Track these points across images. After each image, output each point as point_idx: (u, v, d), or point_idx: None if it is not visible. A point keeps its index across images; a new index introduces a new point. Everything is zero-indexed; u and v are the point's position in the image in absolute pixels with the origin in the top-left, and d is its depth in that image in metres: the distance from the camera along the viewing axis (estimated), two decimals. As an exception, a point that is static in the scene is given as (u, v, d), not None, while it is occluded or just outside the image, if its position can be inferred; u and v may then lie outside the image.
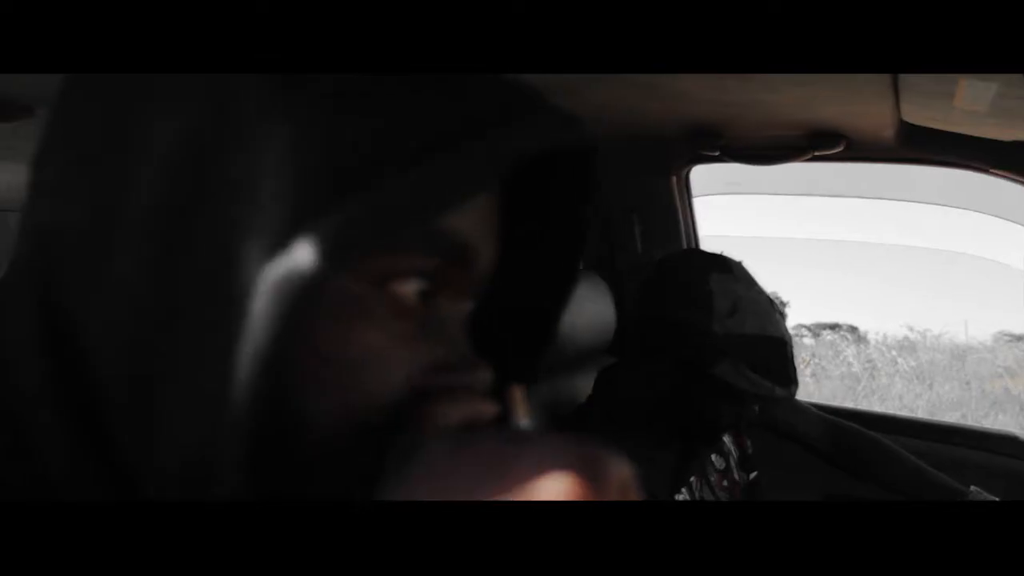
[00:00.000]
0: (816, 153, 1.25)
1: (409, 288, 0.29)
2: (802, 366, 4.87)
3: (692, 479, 1.08)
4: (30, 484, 0.28)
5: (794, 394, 1.02)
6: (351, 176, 0.25)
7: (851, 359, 4.96)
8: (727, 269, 1.05)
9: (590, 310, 1.29)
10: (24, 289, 0.29)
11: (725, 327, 0.98)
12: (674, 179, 1.47)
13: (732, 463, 1.18)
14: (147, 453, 0.27)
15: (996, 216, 1.31)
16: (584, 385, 1.16)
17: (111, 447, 0.27)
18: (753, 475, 1.21)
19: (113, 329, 0.27)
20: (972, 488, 1.16)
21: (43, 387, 0.27)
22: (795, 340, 1.05)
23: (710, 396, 1.01)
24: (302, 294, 0.24)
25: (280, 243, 0.24)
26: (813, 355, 5.04)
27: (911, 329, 5.36)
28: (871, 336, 5.46)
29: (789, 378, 1.01)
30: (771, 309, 1.04)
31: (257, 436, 0.25)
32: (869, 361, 4.94)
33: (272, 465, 0.27)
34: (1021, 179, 1.11)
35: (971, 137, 1.06)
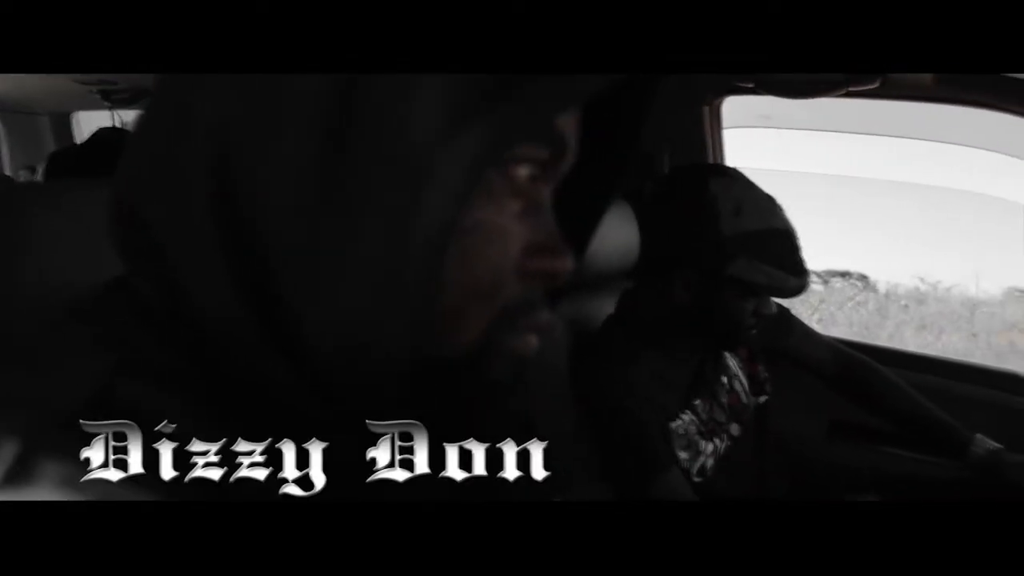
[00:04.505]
0: (851, 89, 1.24)
1: (522, 172, 0.35)
2: (809, 312, 4.90)
3: (698, 401, 1.12)
4: (196, 354, 0.31)
5: (807, 284, 1.05)
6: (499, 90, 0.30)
7: (861, 307, 4.98)
8: (724, 173, 1.08)
9: (616, 235, 1.31)
10: (194, 166, 0.30)
11: (733, 227, 1.01)
12: (706, 110, 1.47)
13: (742, 387, 1.23)
14: (312, 329, 0.29)
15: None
16: (608, 306, 1.20)
17: (281, 322, 0.30)
18: (763, 399, 1.25)
19: (280, 198, 0.29)
20: (977, 436, 1.17)
21: (217, 260, 0.29)
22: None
23: (730, 296, 1.04)
24: (469, 176, 0.29)
25: (450, 134, 0.28)
26: (822, 301, 5.05)
27: (922, 280, 5.34)
28: (881, 286, 5.44)
29: (800, 267, 1.04)
30: (773, 205, 1.06)
31: (416, 308, 0.29)
32: (878, 310, 4.96)
33: (415, 338, 0.30)
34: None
35: (1013, 79, 1.06)
